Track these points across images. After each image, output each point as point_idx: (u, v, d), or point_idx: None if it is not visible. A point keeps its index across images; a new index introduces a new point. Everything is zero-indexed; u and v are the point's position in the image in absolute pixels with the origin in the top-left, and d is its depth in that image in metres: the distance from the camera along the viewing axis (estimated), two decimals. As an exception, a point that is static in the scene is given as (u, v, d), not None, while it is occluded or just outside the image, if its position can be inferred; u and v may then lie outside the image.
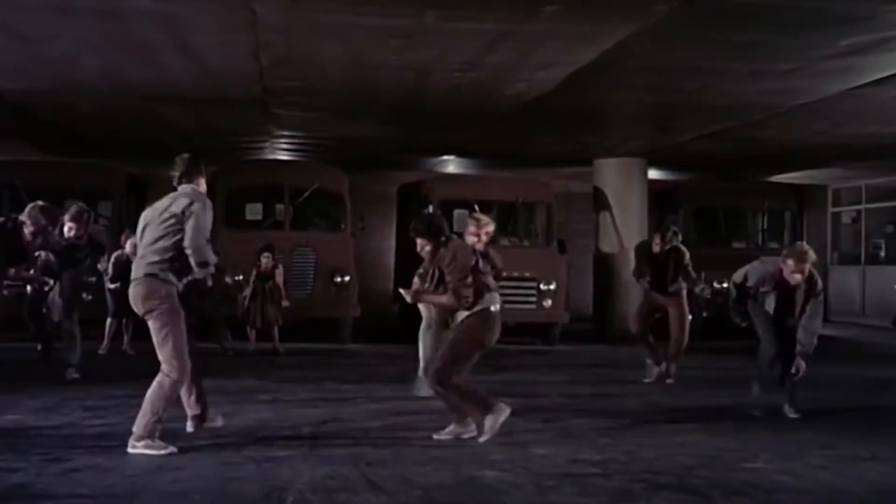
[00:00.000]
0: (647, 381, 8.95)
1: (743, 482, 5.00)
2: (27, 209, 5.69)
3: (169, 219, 5.33)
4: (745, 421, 6.89)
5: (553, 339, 12.93)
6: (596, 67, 8.73)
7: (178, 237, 5.31)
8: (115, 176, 13.66)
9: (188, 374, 5.49)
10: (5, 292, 5.94)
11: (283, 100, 10.78)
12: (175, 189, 5.57)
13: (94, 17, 7.43)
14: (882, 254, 18.03)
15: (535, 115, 11.25)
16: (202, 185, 5.64)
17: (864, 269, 17.98)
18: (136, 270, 5.45)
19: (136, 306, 5.40)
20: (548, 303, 12.77)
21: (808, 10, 7.04)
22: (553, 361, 11.18)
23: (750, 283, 7.06)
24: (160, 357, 5.38)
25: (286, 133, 13.58)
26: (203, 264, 5.38)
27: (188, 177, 5.59)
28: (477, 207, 13.58)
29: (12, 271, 6.88)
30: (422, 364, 7.56)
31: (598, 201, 15.30)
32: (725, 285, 13.31)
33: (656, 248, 9.23)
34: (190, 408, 5.81)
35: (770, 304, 6.99)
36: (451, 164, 16.73)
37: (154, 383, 5.38)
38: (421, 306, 8.72)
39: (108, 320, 10.69)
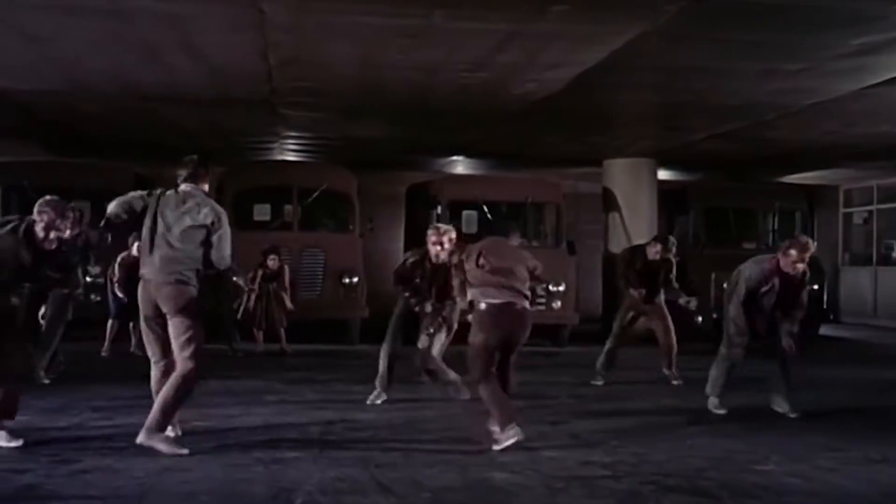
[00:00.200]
0: (596, 383, 8.88)
1: (753, 484, 4.97)
2: (36, 206, 5.68)
3: (199, 228, 5.57)
4: (755, 423, 6.85)
5: (562, 340, 12.88)
6: (605, 67, 8.70)
7: (205, 247, 5.60)
8: (122, 176, 13.66)
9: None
10: (14, 300, 5.91)
11: (290, 100, 10.78)
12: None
13: (100, 17, 7.44)
14: (894, 254, 17.93)
15: (544, 115, 11.22)
16: (206, 187, 5.80)
17: (876, 270, 17.89)
18: (164, 272, 5.51)
19: (167, 306, 5.51)
20: (557, 304, 12.72)
21: (819, 9, 7.00)
22: (562, 363, 11.14)
23: (751, 286, 6.92)
24: (182, 354, 5.46)
25: (294, 133, 13.58)
26: (229, 271, 6.14)
27: (196, 178, 5.71)
28: (486, 208, 13.62)
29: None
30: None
31: (608, 202, 15.25)
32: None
33: (655, 256, 9.08)
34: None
35: (769, 302, 6.92)
36: (460, 165, 16.71)
37: (176, 378, 5.43)
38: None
39: (110, 322, 10.64)
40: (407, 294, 7.47)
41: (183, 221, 5.55)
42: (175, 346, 5.48)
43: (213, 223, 5.59)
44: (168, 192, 5.71)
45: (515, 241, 6.71)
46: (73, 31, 7.86)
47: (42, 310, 7.45)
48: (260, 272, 11.07)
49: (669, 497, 4.70)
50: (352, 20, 7.45)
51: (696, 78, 9.33)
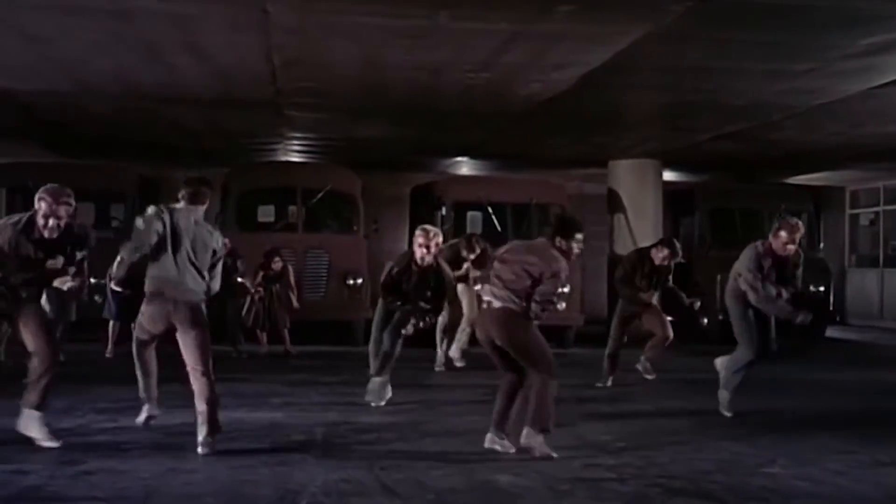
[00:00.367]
0: (601, 385, 8.85)
1: (760, 487, 4.94)
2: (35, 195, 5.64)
3: (214, 253, 5.82)
4: (763, 425, 6.82)
5: (567, 341, 12.85)
6: (610, 68, 8.67)
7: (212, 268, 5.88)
8: (127, 177, 13.68)
9: None
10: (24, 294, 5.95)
11: (295, 101, 10.77)
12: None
13: (102, 18, 7.44)
14: (901, 256, 17.88)
15: (549, 116, 11.20)
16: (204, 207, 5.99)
17: (883, 272, 17.82)
18: (191, 294, 5.69)
19: (187, 323, 5.70)
20: (562, 305, 12.67)
21: (826, 9, 6.97)
22: (567, 364, 11.08)
23: (753, 268, 6.90)
24: (201, 361, 5.65)
25: (298, 134, 13.58)
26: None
27: (198, 199, 5.83)
28: (490, 209, 13.60)
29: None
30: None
31: (613, 203, 15.22)
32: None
33: (664, 262, 9.02)
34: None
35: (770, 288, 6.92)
36: (465, 166, 16.69)
37: (204, 384, 5.63)
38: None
39: (111, 323, 10.61)
40: (398, 304, 7.34)
41: (199, 244, 5.71)
42: (194, 357, 5.65)
43: (215, 250, 5.83)
44: (177, 210, 5.77)
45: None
46: (76, 31, 7.86)
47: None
48: (261, 274, 11.06)
49: (675, 500, 4.68)
50: (356, 21, 7.44)
51: (701, 78, 9.29)
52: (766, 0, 6.86)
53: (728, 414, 7.11)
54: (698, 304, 9.27)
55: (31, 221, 5.51)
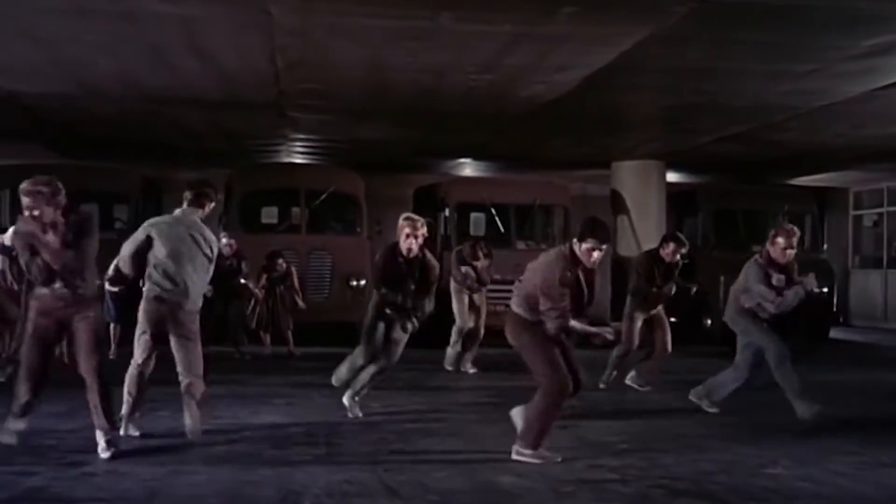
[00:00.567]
0: (603, 385, 8.74)
1: (762, 488, 4.94)
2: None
3: (210, 262, 5.97)
4: (766, 426, 6.81)
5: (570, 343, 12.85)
6: (613, 69, 8.68)
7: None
8: (130, 179, 13.70)
9: None
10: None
11: (298, 102, 10.79)
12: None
13: (109, 21, 7.46)
14: (904, 257, 17.86)
15: (552, 118, 11.21)
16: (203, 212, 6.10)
17: (886, 273, 17.79)
18: (193, 300, 5.85)
19: (182, 328, 5.83)
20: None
21: (829, 11, 6.97)
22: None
23: (766, 283, 6.91)
24: (195, 366, 5.82)
25: (301, 136, 13.60)
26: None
27: (198, 203, 5.98)
28: (494, 211, 13.60)
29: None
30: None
31: (616, 204, 15.21)
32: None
33: (675, 257, 8.87)
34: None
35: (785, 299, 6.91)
36: (468, 167, 16.70)
37: (197, 386, 5.80)
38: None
39: (112, 325, 10.57)
40: (389, 303, 6.85)
41: (199, 251, 5.86)
42: (187, 361, 5.80)
43: (210, 259, 5.96)
44: (174, 218, 5.95)
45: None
46: (80, 33, 7.88)
47: None
48: (265, 276, 11.07)
49: (678, 501, 4.68)
50: (359, 22, 7.45)
51: (704, 79, 9.30)
52: (769, 1, 6.86)
53: (810, 416, 6.83)
54: (694, 288, 9.33)
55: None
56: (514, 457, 5.44)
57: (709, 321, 13.61)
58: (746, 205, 15.01)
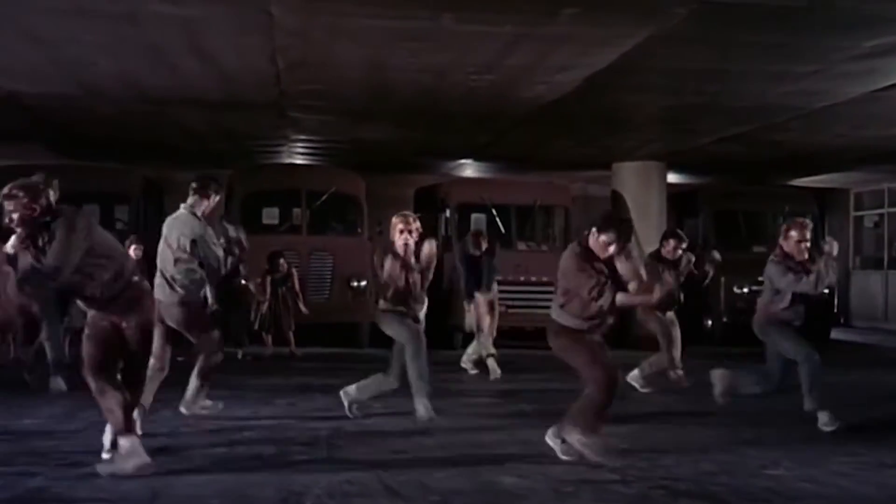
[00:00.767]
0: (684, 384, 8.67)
1: (764, 489, 4.94)
2: None
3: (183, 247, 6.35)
4: (768, 427, 6.81)
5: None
6: (614, 70, 8.67)
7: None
8: (131, 179, 13.71)
9: None
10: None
11: (299, 103, 10.79)
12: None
13: (110, 21, 7.46)
14: (905, 258, 17.85)
15: (553, 118, 11.20)
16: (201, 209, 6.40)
17: (887, 274, 17.79)
18: (157, 289, 6.08)
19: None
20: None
21: (830, 11, 6.96)
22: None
23: (786, 281, 6.67)
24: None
25: (302, 136, 13.59)
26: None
27: (196, 201, 6.39)
28: (494, 211, 13.60)
29: None
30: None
31: (617, 205, 15.21)
32: (746, 290, 13.09)
33: (677, 254, 8.78)
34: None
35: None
36: (469, 168, 16.70)
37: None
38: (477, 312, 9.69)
39: None
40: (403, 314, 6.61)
41: (163, 245, 6.30)
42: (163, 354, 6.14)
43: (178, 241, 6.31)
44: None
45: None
46: (81, 34, 7.88)
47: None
48: (269, 278, 11.08)
49: (679, 502, 4.68)
50: (360, 23, 7.45)
51: (705, 80, 9.29)
52: (770, 2, 6.86)
53: (832, 427, 6.62)
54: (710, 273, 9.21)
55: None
56: (574, 445, 5.39)
57: (709, 322, 13.61)
58: (747, 206, 15.02)
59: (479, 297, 9.98)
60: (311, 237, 12.86)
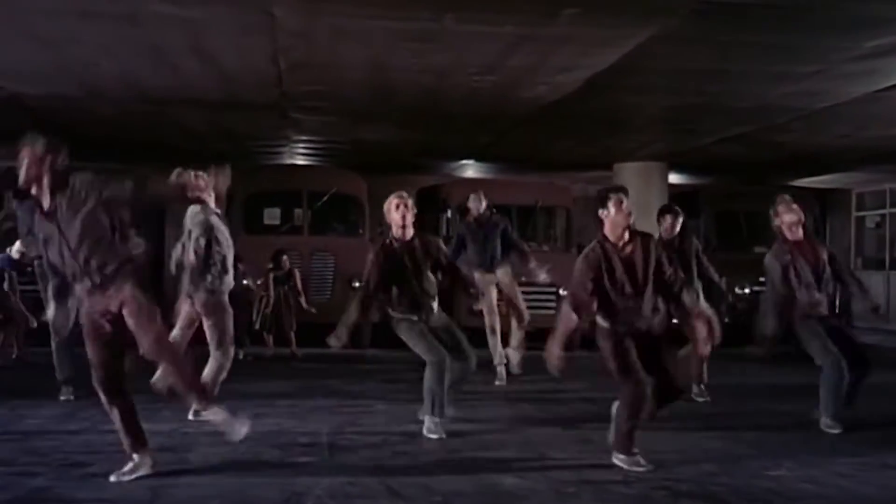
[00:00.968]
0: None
1: (765, 490, 4.93)
2: None
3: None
4: (770, 428, 6.80)
5: (573, 344, 12.84)
6: (616, 70, 8.67)
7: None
8: (134, 180, 13.69)
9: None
10: None
11: (301, 104, 10.79)
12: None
13: (112, 22, 7.46)
14: (907, 258, 17.83)
15: (555, 119, 11.20)
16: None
17: (889, 274, 17.77)
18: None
19: None
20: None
21: (831, 11, 6.95)
22: (573, 367, 11.08)
23: (778, 272, 6.54)
24: None
25: (304, 137, 13.60)
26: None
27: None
28: (494, 211, 13.57)
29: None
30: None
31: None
32: (748, 290, 13.04)
33: (674, 230, 8.11)
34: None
35: (808, 278, 6.53)
36: (470, 169, 16.70)
37: None
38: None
39: None
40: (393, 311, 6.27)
41: None
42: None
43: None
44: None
45: None
46: (83, 35, 7.89)
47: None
48: (272, 276, 11.09)
49: (680, 502, 4.68)
50: (362, 24, 7.45)
51: (707, 81, 9.29)
52: (771, 3, 6.85)
53: (836, 430, 6.49)
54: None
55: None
56: (613, 460, 5.35)
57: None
58: (749, 206, 14.98)
59: (481, 278, 8.83)
60: (313, 237, 12.87)
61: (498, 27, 7.45)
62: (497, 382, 9.01)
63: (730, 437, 6.44)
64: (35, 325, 9.92)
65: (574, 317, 5.31)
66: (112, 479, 4.85)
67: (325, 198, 13.09)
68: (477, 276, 8.77)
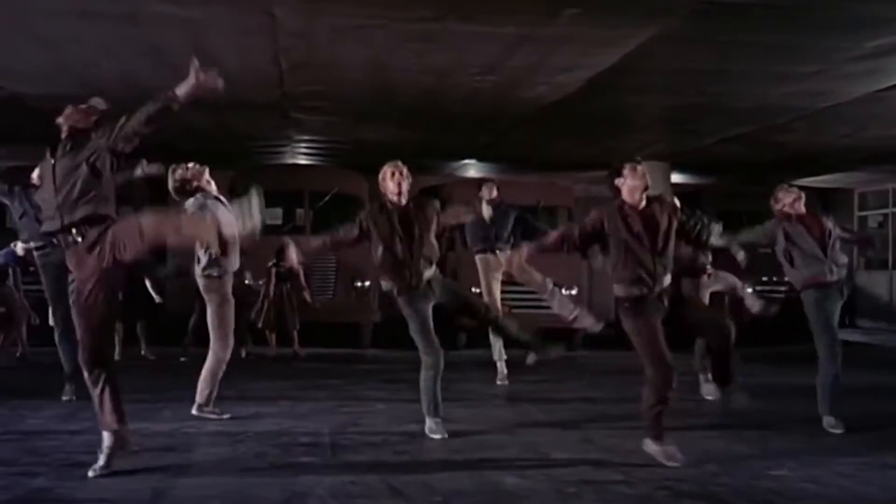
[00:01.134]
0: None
1: (767, 490, 4.93)
2: None
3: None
4: (772, 428, 6.80)
5: (575, 344, 12.85)
6: (617, 70, 8.67)
7: None
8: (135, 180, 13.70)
9: None
10: None
11: (302, 104, 10.80)
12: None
13: (113, 22, 7.48)
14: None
15: (556, 119, 11.21)
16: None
17: (892, 274, 17.77)
18: None
19: None
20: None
21: (833, 11, 6.95)
22: (575, 367, 11.10)
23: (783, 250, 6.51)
24: None
25: (305, 137, 13.61)
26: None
27: None
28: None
29: None
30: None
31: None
32: (750, 291, 13.05)
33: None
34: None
35: (801, 264, 6.50)
36: (472, 169, 16.70)
37: None
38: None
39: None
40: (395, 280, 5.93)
41: None
42: None
43: None
44: None
45: None
46: (84, 35, 7.90)
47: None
48: (274, 271, 11.09)
49: (682, 502, 4.67)
50: (363, 24, 7.46)
51: (708, 81, 9.29)
52: (772, 3, 6.85)
53: (838, 430, 6.47)
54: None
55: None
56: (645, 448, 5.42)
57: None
58: (751, 206, 14.95)
59: (483, 260, 8.60)
60: (315, 237, 12.87)
61: (499, 27, 7.46)
62: (499, 382, 8.99)
63: (731, 436, 6.44)
64: (37, 321, 9.96)
65: (557, 238, 5.49)
66: (90, 474, 4.85)
67: (327, 198, 13.10)
68: (479, 259, 8.71)
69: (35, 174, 6.87)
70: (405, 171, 6.19)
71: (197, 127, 12.53)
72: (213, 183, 6.88)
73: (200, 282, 6.81)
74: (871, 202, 18.88)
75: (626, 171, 5.38)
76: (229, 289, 6.81)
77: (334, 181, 13.44)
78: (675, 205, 5.72)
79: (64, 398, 7.38)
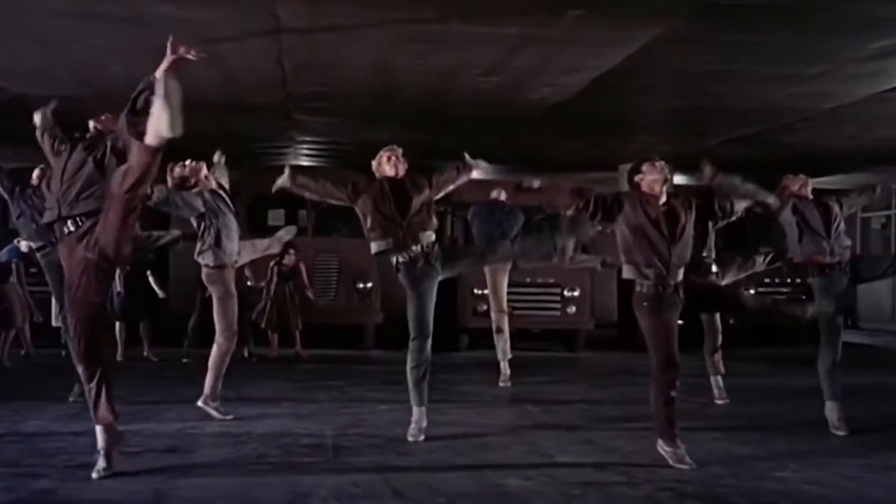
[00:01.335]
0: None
1: (770, 491, 4.92)
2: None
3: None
4: (775, 429, 6.79)
5: (577, 345, 12.85)
6: (620, 72, 8.67)
7: None
8: None
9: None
10: None
11: (305, 105, 10.80)
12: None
13: (117, 24, 7.48)
14: (912, 259, 17.77)
15: (560, 120, 11.20)
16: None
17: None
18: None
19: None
20: (572, 309, 12.68)
21: (837, 12, 6.94)
22: (577, 368, 11.10)
23: (793, 226, 6.54)
24: None
25: (309, 138, 13.61)
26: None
27: None
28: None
29: None
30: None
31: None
32: (752, 291, 13.01)
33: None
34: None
35: (806, 240, 6.54)
36: (475, 170, 16.68)
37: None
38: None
39: (117, 325, 10.41)
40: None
41: None
42: None
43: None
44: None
45: None
46: (88, 36, 7.90)
47: None
48: (276, 270, 11.08)
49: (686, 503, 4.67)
50: (366, 25, 7.46)
51: (713, 82, 9.28)
52: (776, 4, 6.84)
53: (843, 431, 6.47)
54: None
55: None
56: (658, 450, 5.42)
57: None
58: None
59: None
60: (317, 239, 12.87)
61: (502, 28, 7.46)
62: (501, 383, 8.98)
63: (734, 438, 6.43)
64: (41, 319, 9.97)
65: (574, 188, 5.61)
66: (93, 475, 4.86)
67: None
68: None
69: (35, 174, 6.91)
70: (400, 153, 6.34)
71: (200, 128, 12.52)
72: (211, 179, 6.96)
73: (203, 273, 6.92)
74: (874, 203, 18.83)
75: (644, 167, 5.53)
76: (231, 281, 6.82)
77: (337, 182, 13.42)
78: (691, 200, 5.83)
79: (70, 398, 7.39)
